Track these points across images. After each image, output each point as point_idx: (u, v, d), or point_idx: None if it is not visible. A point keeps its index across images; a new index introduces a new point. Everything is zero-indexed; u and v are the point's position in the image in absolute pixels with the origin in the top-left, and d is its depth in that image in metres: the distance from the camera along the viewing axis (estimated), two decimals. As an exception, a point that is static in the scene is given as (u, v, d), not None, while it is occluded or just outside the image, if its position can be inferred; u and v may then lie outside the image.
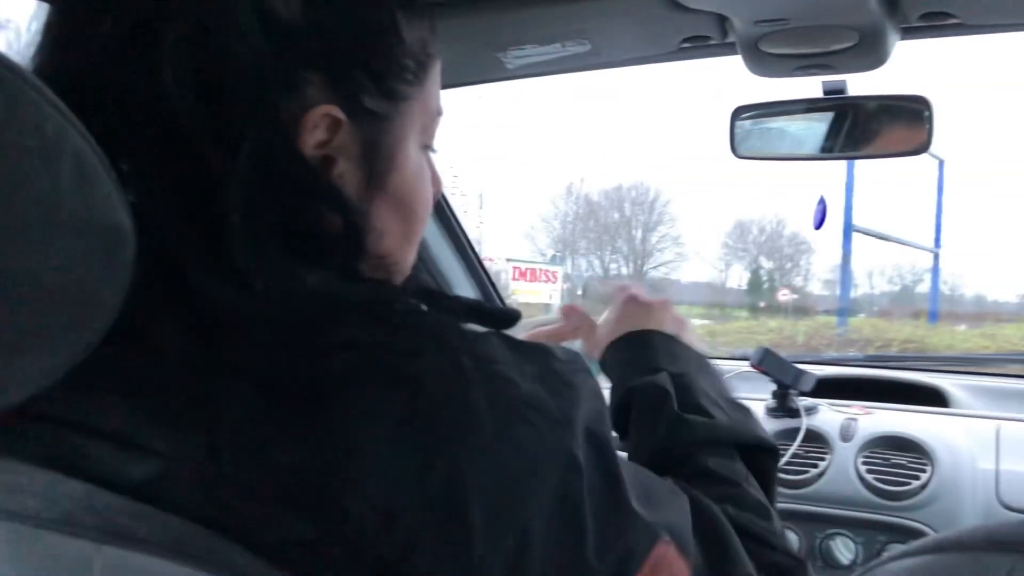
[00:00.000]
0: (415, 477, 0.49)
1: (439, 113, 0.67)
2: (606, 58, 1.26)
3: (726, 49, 1.21)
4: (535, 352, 0.58)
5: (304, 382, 0.50)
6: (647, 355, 0.87)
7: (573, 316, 1.02)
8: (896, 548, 0.46)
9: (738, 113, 1.35)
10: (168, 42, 0.53)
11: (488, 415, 0.51)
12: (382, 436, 0.50)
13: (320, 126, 0.57)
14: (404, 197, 0.64)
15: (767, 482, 0.79)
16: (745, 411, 0.86)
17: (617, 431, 0.82)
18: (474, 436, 0.51)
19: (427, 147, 0.67)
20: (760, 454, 0.80)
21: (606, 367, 0.92)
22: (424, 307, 0.59)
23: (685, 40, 1.20)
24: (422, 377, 0.51)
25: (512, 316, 0.62)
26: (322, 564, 0.48)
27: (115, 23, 0.54)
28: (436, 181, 0.69)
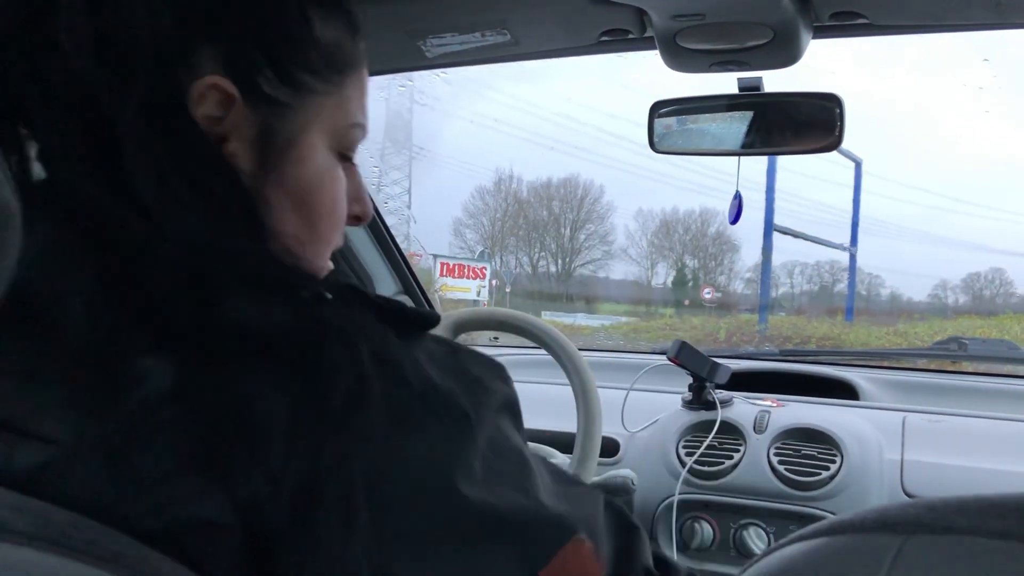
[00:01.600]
0: (306, 456, 0.49)
1: (357, 125, 0.65)
2: (526, 49, 1.26)
3: (645, 43, 1.22)
4: (456, 354, 0.59)
5: (209, 346, 0.50)
6: None
7: None
8: (821, 523, 0.48)
9: (656, 108, 1.37)
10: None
11: (382, 416, 0.52)
12: (278, 414, 0.50)
13: (209, 99, 0.57)
14: (304, 195, 0.62)
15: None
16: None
17: None
18: (366, 431, 0.51)
19: (344, 157, 0.65)
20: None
21: None
22: (333, 297, 0.58)
23: (604, 33, 1.20)
24: (322, 367, 0.51)
25: (431, 318, 0.61)
26: (216, 545, 0.48)
27: None
28: (359, 200, 0.67)
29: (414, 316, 0.60)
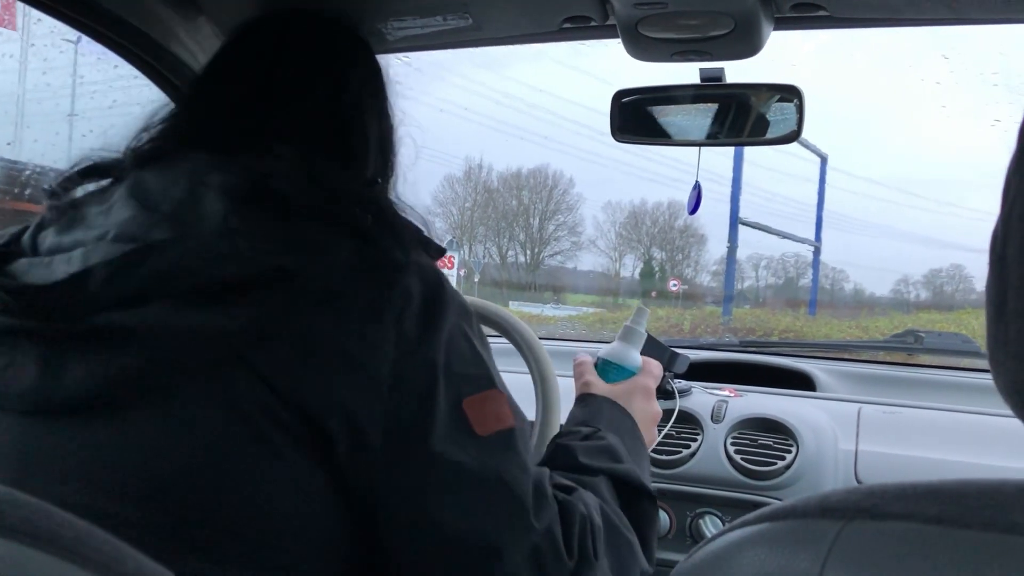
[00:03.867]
0: (397, 361, 0.70)
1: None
2: (488, 34, 1.25)
3: (607, 31, 1.22)
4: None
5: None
6: (590, 418, 1.03)
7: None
8: (765, 508, 0.49)
9: (619, 97, 1.37)
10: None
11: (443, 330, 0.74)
12: (367, 320, 0.70)
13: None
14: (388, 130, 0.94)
15: (645, 525, 0.92)
16: (643, 459, 1.01)
17: None
18: (435, 342, 0.73)
19: None
20: (642, 500, 0.93)
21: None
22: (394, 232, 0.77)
23: (567, 20, 1.20)
24: (408, 284, 0.73)
25: (443, 250, 0.83)
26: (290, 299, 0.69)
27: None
28: None
29: (434, 246, 0.81)
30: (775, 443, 1.49)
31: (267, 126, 0.82)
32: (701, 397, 1.64)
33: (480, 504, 0.72)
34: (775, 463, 1.44)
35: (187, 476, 0.66)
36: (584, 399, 1.07)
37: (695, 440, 1.52)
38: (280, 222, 0.72)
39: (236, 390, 0.67)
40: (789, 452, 1.46)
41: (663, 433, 1.53)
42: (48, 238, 0.77)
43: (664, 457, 1.50)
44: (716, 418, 1.56)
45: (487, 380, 0.76)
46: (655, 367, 1.13)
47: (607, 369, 1.11)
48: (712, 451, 1.49)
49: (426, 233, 0.81)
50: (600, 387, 1.08)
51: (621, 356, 1.12)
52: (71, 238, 0.75)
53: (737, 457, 1.46)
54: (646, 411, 1.07)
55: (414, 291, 0.72)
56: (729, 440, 1.51)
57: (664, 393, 1.63)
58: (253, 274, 0.68)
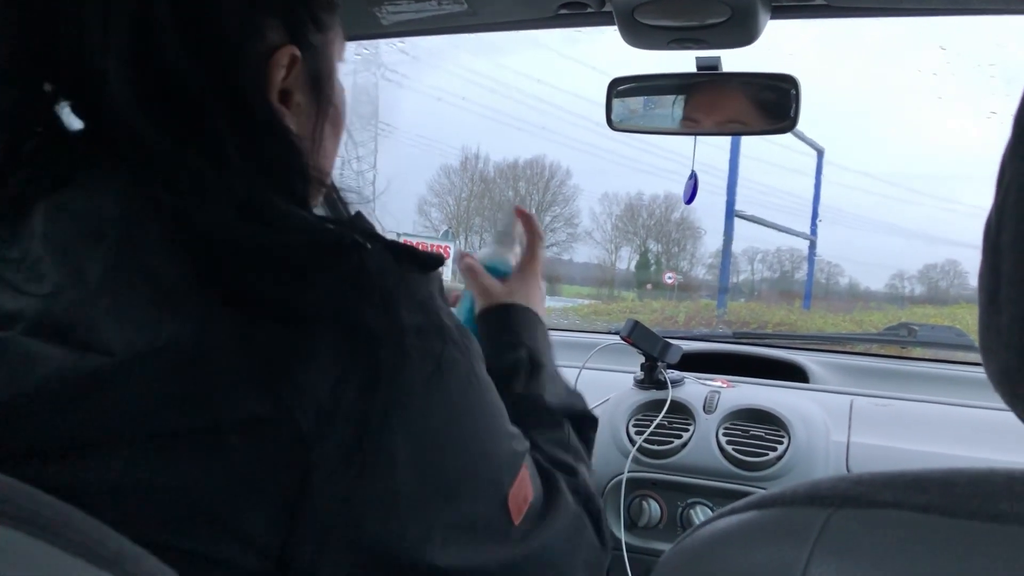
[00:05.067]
0: (353, 405, 0.55)
1: (343, 37, 0.76)
2: (483, 19, 1.24)
3: (603, 18, 1.21)
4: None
5: (283, 305, 0.56)
6: (508, 331, 0.98)
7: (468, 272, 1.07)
8: (752, 496, 0.48)
9: (615, 85, 1.36)
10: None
11: (419, 371, 0.58)
12: (325, 369, 0.54)
13: (283, 65, 0.65)
14: (338, 115, 0.75)
15: (590, 449, 0.91)
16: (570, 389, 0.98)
17: None
18: (405, 388, 0.57)
19: None
20: (584, 424, 0.92)
21: (479, 331, 1.01)
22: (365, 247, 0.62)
23: (563, 6, 1.19)
24: (366, 336, 0.56)
25: (439, 259, 0.65)
26: (272, 442, 0.53)
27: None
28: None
29: (426, 258, 0.63)
30: (767, 434, 1.49)
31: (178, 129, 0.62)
32: (693, 387, 1.64)
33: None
34: (767, 454, 1.44)
35: None
36: (498, 310, 1.01)
37: (687, 430, 1.52)
38: (246, 313, 0.55)
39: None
40: (781, 443, 1.46)
41: (655, 423, 1.53)
42: None
43: (655, 447, 1.50)
44: (708, 409, 1.56)
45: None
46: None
47: (494, 272, 1.09)
48: (704, 441, 1.49)
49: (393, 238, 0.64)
50: (499, 290, 1.03)
51: (503, 258, 1.11)
52: None
53: (729, 448, 1.46)
54: (540, 296, 1.06)
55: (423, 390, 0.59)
56: (721, 431, 1.50)
57: (657, 383, 1.63)
58: (222, 422, 0.53)
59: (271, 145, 0.63)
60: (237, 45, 0.63)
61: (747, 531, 0.48)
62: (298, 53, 0.66)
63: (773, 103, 1.27)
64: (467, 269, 1.05)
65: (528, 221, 1.09)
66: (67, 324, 0.54)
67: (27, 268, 0.57)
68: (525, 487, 0.67)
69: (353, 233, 0.60)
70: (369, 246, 0.59)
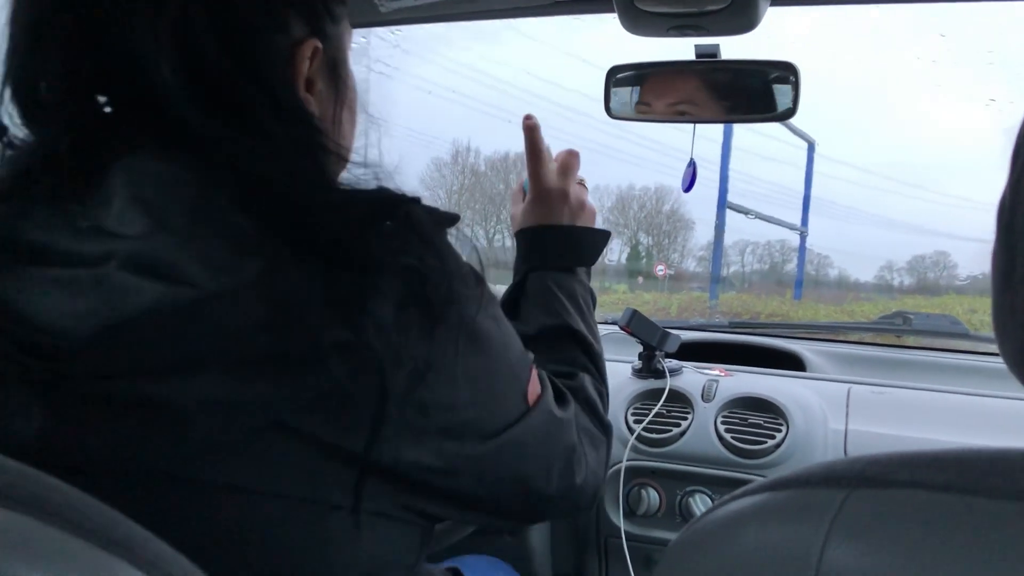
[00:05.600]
0: (418, 323, 0.65)
1: (351, 27, 0.82)
2: (482, 6, 1.24)
3: (602, 5, 1.21)
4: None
5: (348, 249, 0.64)
6: (545, 251, 1.10)
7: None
8: (764, 479, 0.49)
9: (613, 73, 1.35)
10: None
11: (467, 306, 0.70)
12: (391, 307, 0.64)
13: (307, 57, 0.72)
14: (354, 98, 0.81)
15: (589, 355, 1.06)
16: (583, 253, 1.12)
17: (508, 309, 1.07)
18: (457, 319, 0.69)
19: None
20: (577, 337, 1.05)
21: (517, 242, 1.13)
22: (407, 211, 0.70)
23: (561, -8, 1.19)
24: (420, 277, 0.66)
25: (455, 217, 0.74)
26: (358, 362, 0.62)
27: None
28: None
29: (447, 216, 0.73)
30: (765, 422, 1.49)
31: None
32: (691, 376, 1.64)
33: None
34: (765, 442, 1.44)
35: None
36: (516, 238, 1.13)
37: (685, 419, 1.52)
38: (319, 259, 0.63)
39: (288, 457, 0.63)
40: (779, 431, 1.46)
41: (654, 412, 1.53)
42: (26, 231, 0.64)
43: (654, 436, 1.50)
44: (706, 397, 1.56)
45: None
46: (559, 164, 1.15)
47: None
48: (702, 430, 1.49)
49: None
50: (518, 215, 1.14)
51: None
52: (63, 244, 0.63)
53: (727, 436, 1.46)
54: (556, 206, 1.12)
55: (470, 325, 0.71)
56: (720, 419, 1.51)
57: (655, 372, 1.63)
58: (308, 349, 0.61)
59: (302, 129, 0.70)
60: (267, 41, 0.69)
61: (762, 512, 0.48)
62: (320, 45, 0.73)
63: (773, 90, 1.27)
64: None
65: (528, 134, 1.12)
66: (159, 262, 0.61)
67: (115, 216, 0.62)
68: (535, 382, 0.81)
69: (396, 191, 0.70)
70: (410, 203, 0.69)
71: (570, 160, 1.12)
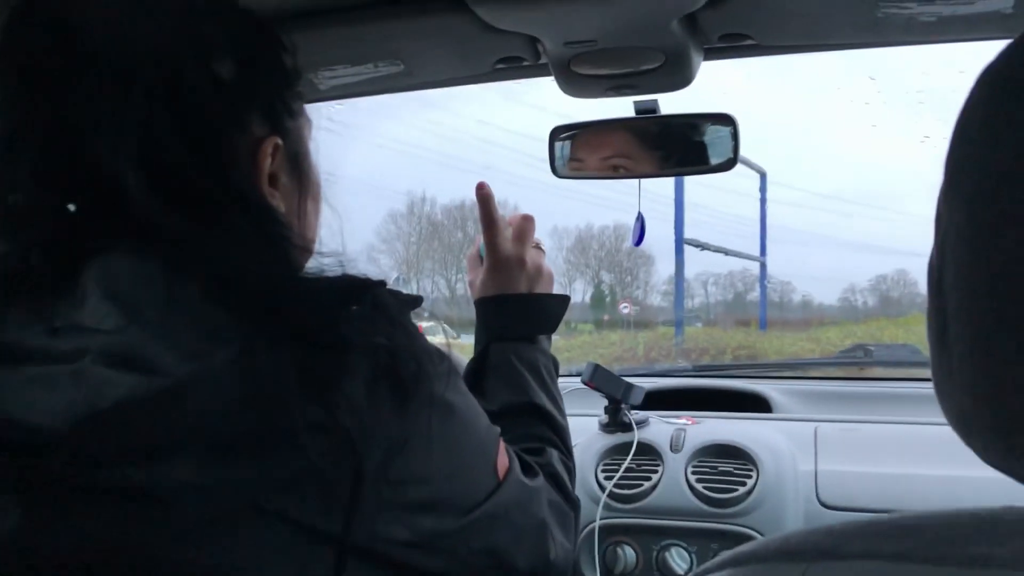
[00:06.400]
0: (390, 403, 0.68)
1: (310, 119, 0.87)
2: (421, 78, 1.26)
3: (540, 70, 1.24)
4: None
5: (320, 333, 0.67)
6: (505, 322, 1.11)
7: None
8: (726, 554, 0.51)
9: (556, 134, 1.38)
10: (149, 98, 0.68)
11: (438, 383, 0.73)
12: (363, 385, 0.67)
13: (269, 154, 0.75)
14: (317, 189, 0.85)
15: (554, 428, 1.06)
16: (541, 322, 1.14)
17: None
18: (427, 395, 0.71)
19: None
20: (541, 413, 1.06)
21: (477, 311, 1.14)
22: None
23: (499, 61, 1.21)
24: (394, 350, 0.69)
25: (419, 299, 0.77)
26: (326, 448, 0.64)
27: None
28: None
29: (409, 299, 0.76)
30: (735, 469, 1.50)
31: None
32: (659, 427, 1.65)
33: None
34: (736, 489, 1.45)
35: None
36: (476, 307, 1.14)
37: (656, 471, 1.53)
38: (291, 342, 0.65)
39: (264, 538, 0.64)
40: (750, 477, 1.47)
41: (623, 467, 1.53)
42: (3, 333, 0.66)
43: (626, 491, 1.50)
44: (675, 447, 1.56)
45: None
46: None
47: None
48: (673, 481, 1.50)
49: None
50: (476, 283, 1.15)
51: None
52: (39, 342, 0.65)
53: (699, 486, 1.47)
54: (514, 274, 1.12)
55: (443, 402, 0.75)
56: (690, 469, 1.51)
57: (622, 426, 1.64)
58: (283, 430, 0.63)
59: (268, 224, 0.73)
60: (230, 141, 0.72)
61: None
62: (280, 141, 0.77)
63: (713, 142, 1.31)
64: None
65: (481, 204, 1.13)
66: (133, 354, 0.62)
67: (89, 313, 0.65)
68: (504, 455, 0.83)
69: (362, 276, 0.73)
70: (377, 287, 0.72)
71: (525, 225, 1.13)
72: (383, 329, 0.70)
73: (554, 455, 1.00)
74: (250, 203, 0.73)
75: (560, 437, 1.06)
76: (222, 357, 0.63)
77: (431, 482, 0.72)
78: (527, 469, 0.89)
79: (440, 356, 0.75)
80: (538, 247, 1.16)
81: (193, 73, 0.70)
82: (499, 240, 1.11)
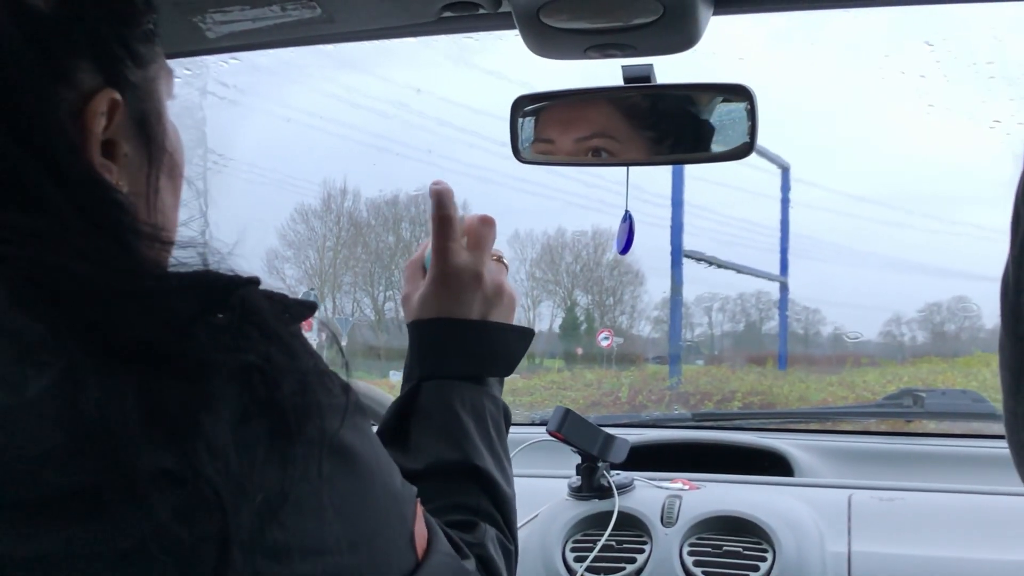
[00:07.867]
0: (268, 441, 0.65)
1: (171, 70, 0.84)
2: (343, 27, 1.25)
3: (500, 21, 1.23)
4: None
5: (167, 352, 0.64)
6: (447, 353, 1.10)
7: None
8: None
9: (519, 106, 1.36)
10: None
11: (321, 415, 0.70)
12: (228, 422, 0.64)
13: (101, 112, 0.72)
14: (175, 162, 0.83)
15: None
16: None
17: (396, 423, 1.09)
18: (313, 432, 0.69)
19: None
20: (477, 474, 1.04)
21: (411, 335, 1.13)
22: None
23: (447, 7, 1.21)
24: (276, 375, 0.67)
25: (310, 305, 0.76)
26: (180, 505, 0.60)
27: None
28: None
29: (299, 306, 0.75)
30: (745, 549, 1.50)
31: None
32: (646, 492, 1.65)
33: None
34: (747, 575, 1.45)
35: None
36: (410, 330, 1.13)
37: (641, 551, 1.53)
38: (130, 365, 0.63)
39: None
40: (764, 559, 1.48)
41: (600, 544, 1.53)
42: None
43: (602, 577, 1.49)
44: (667, 520, 1.56)
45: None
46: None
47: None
48: (665, 565, 1.50)
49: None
50: (414, 299, 1.13)
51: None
52: None
53: (698, 571, 1.47)
54: (463, 292, 1.11)
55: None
56: (686, 549, 1.51)
57: (599, 491, 1.63)
58: (120, 483, 0.60)
59: (95, 207, 0.70)
60: (44, 96, 0.69)
61: None
62: (118, 97, 0.73)
63: (723, 122, 1.31)
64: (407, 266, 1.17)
65: (435, 200, 1.12)
66: None
67: None
68: (422, 524, 0.82)
69: (228, 273, 0.71)
70: (246, 287, 0.70)
71: (483, 231, 1.11)
72: (256, 344, 0.67)
73: (490, 533, 0.98)
74: (70, 179, 0.69)
75: (501, 511, 1.04)
76: (36, 386, 0.60)
77: (325, 553, 0.69)
78: (455, 549, 0.88)
79: (338, 383, 0.73)
80: (499, 260, 1.15)
81: None
82: (451, 247, 1.09)
